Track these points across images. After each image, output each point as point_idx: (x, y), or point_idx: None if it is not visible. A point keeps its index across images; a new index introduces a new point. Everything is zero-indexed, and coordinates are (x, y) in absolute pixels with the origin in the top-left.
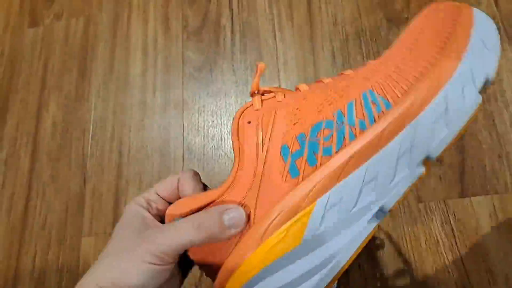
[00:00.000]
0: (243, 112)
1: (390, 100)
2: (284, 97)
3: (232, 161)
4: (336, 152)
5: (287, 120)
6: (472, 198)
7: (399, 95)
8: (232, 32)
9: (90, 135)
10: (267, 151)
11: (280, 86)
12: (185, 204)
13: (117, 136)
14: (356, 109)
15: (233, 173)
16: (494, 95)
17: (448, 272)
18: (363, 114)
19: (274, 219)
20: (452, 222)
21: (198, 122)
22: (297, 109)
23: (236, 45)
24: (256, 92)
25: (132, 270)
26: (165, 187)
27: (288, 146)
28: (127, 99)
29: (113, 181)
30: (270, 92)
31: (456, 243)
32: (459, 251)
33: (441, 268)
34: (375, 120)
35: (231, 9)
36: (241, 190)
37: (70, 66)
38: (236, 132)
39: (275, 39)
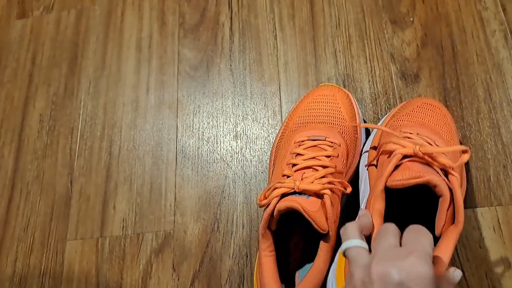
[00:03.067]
0: None
1: None
2: None
3: (228, 164)
4: None
5: None
6: (476, 209)
7: None
8: (231, 30)
9: (79, 134)
10: None
11: (280, 88)
12: None
13: (107, 136)
14: None
15: None
16: (500, 104)
17: None
18: None
19: None
20: None
21: (193, 124)
22: None
23: (235, 44)
24: None
25: None
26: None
27: None
28: (119, 97)
29: (102, 183)
30: None
31: (458, 256)
32: (461, 264)
33: None
34: None
35: (230, 7)
36: None
37: (59, 61)
38: None
39: (276, 39)
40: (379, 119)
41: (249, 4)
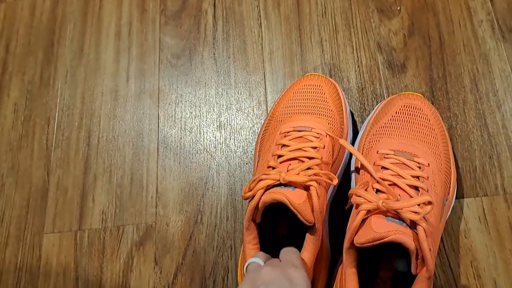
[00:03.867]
0: None
1: None
2: None
3: (211, 155)
4: None
5: None
6: (461, 200)
7: None
8: (214, 18)
9: (56, 124)
10: None
11: (264, 77)
12: None
13: (85, 126)
14: None
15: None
16: (486, 94)
17: (435, 276)
18: None
19: None
20: None
21: (175, 113)
22: None
23: (218, 32)
24: None
25: None
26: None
27: None
28: (97, 86)
29: (80, 175)
30: None
31: (443, 246)
32: (446, 254)
33: None
34: None
35: None
36: None
37: (35, 48)
38: None
39: (261, 27)
40: (365, 109)
41: None
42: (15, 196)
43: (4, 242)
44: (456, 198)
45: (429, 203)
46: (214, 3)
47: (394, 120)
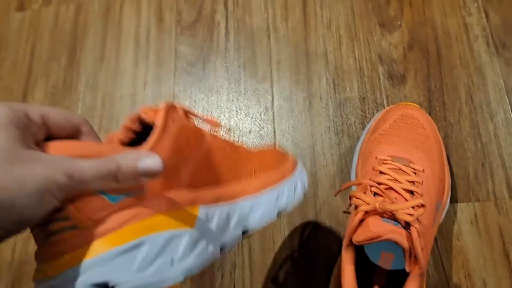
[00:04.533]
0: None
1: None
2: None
3: None
4: None
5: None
6: (455, 204)
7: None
8: (227, 29)
9: None
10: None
11: (272, 85)
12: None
13: (105, 128)
14: None
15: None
16: (480, 105)
17: (429, 275)
18: None
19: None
20: None
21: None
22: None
23: (230, 42)
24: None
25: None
26: (59, 117)
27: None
28: (117, 90)
29: None
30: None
31: (437, 247)
32: (440, 255)
33: None
34: None
35: (226, 6)
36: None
37: (58, 54)
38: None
39: (269, 38)
40: (366, 117)
41: (244, 4)
42: None
43: (28, 235)
44: (450, 202)
45: (422, 206)
46: (227, 15)
47: (392, 128)
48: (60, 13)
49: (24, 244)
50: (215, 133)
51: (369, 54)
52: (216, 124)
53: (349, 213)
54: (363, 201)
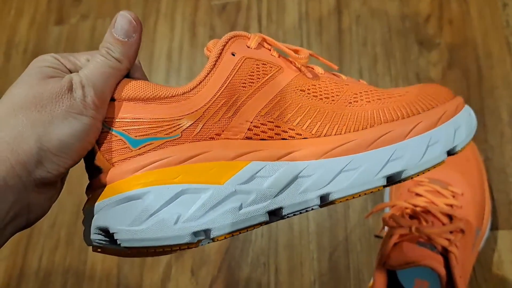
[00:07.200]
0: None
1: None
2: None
3: None
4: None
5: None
6: (495, 231)
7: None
8: None
9: None
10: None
11: None
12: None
13: None
14: None
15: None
16: None
17: None
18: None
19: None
20: None
21: None
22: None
23: None
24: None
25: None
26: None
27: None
28: None
29: None
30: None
31: (475, 277)
32: (478, 285)
33: None
34: None
35: (259, 22)
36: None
37: None
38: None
39: None
40: None
41: (278, 20)
42: (67, 203)
43: (55, 244)
44: (490, 229)
45: (462, 231)
46: (260, 31)
47: None
48: (96, 28)
49: (50, 254)
50: (308, 69)
51: (406, 72)
52: (304, 54)
53: (380, 237)
54: (398, 223)
